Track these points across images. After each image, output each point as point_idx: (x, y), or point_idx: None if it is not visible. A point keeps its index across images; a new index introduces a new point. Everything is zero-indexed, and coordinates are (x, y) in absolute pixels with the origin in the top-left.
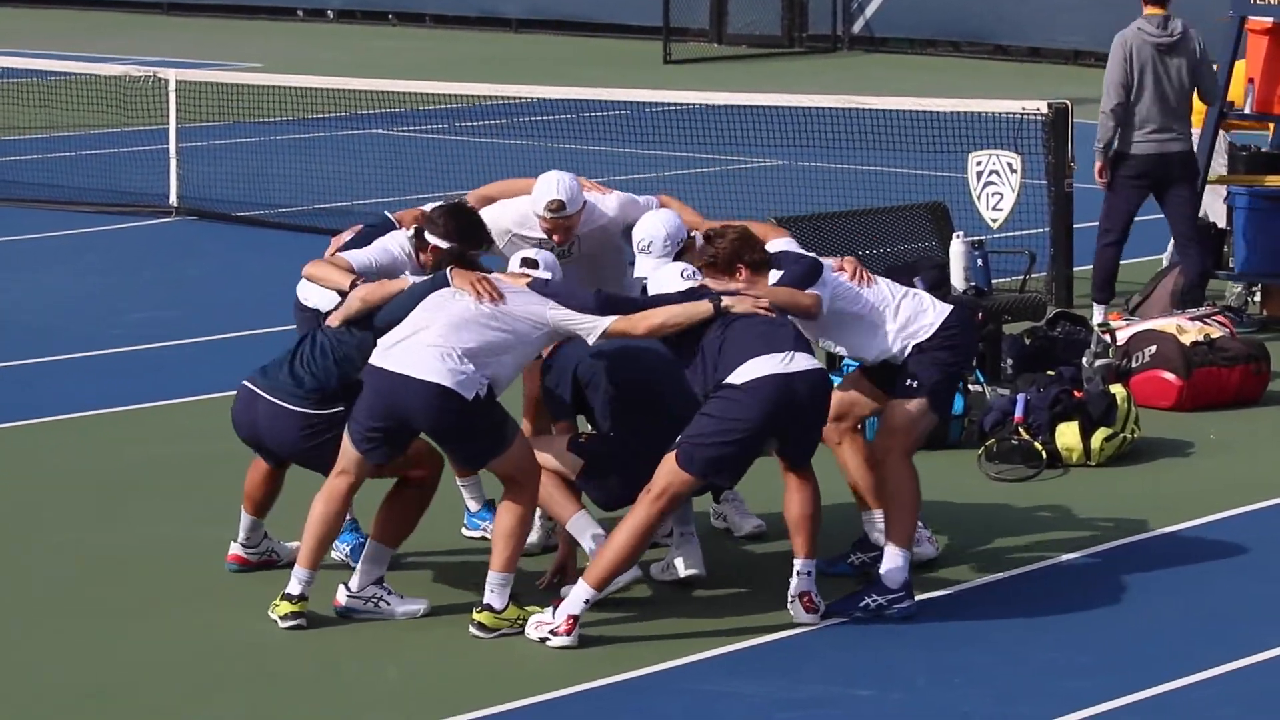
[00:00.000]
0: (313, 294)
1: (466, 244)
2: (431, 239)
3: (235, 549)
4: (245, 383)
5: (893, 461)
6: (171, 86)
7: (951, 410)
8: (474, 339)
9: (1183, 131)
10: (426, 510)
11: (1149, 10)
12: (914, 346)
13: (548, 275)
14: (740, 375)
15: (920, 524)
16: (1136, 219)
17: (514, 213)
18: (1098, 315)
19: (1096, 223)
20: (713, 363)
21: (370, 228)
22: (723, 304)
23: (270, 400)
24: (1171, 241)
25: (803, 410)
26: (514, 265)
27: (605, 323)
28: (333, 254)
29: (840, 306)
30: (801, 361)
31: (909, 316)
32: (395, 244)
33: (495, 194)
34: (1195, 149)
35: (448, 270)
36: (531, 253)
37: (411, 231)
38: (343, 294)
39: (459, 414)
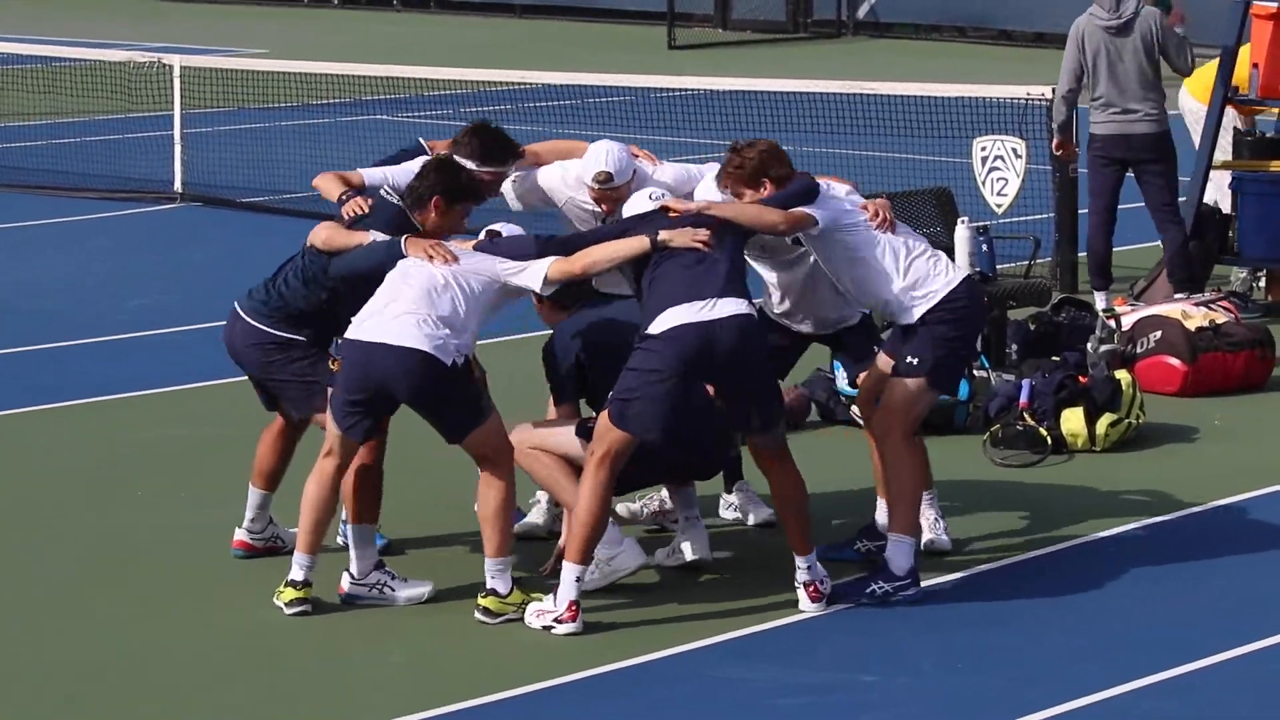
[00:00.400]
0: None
1: (493, 163)
2: (460, 159)
3: (240, 534)
4: (235, 303)
5: (892, 443)
6: (176, 72)
7: (956, 386)
8: (445, 305)
9: (1150, 112)
10: (382, 475)
11: None
12: (918, 318)
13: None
14: (658, 325)
15: (938, 516)
16: (1139, 205)
17: (574, 178)
18: (1099, 301)
19: None
20: (643, 309)
21: (404, 151)
22: (660, 239)
23: (242, 316)
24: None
25: (725, 356)
26: (481, 236)
27: (544, 266)
28: (352, 172)
29: (844, 239)
30: (724, 307)
31: (919, 277)
32: None
33: (543, 153)
34: (1166, 128)
35: (402, 240)
36: (498, 226)
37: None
38: (338, 203)
39: (438, 381)
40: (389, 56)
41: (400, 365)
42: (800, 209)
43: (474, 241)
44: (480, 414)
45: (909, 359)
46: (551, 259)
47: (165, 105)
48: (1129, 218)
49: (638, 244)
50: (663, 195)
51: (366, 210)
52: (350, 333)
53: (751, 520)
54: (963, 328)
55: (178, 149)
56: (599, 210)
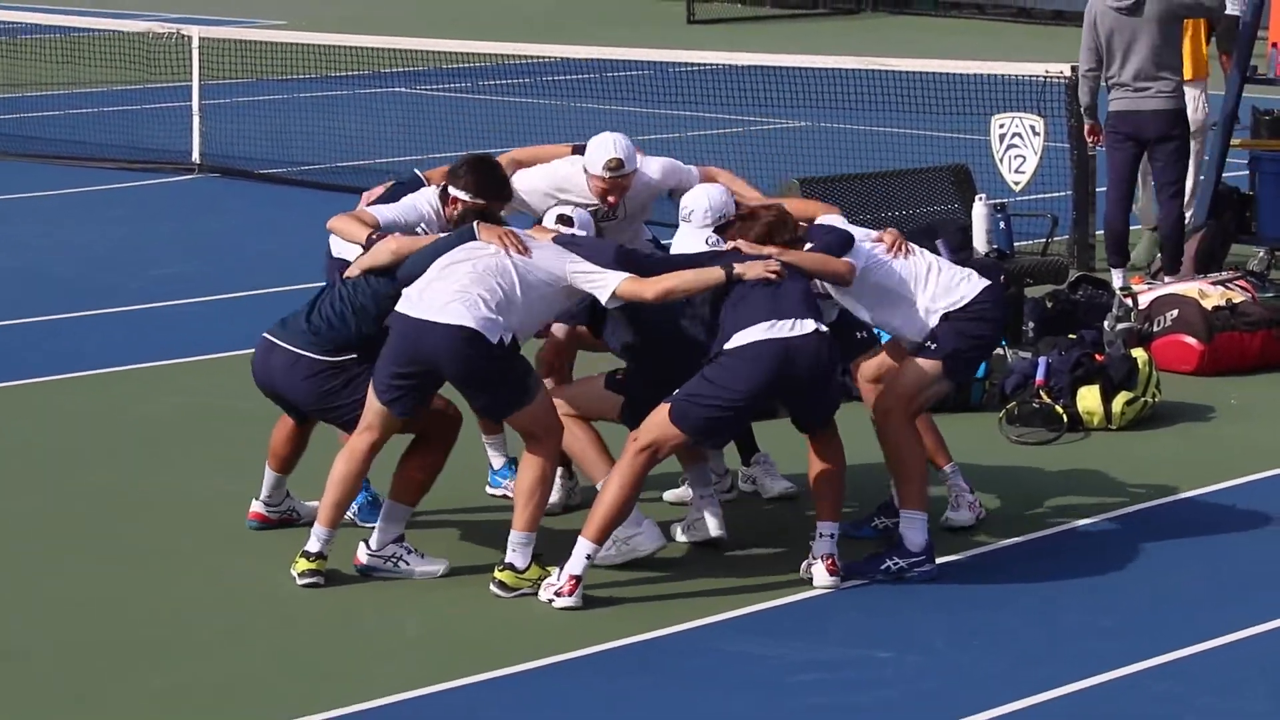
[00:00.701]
0: (344, 246)
1: (488, 197)
2: (454, 191)
3: (257, 506)
4: (265, 334)
5: (892, 424)
6: (195, 43)
7: (969, 378)
8: (498, 287)
9: (1162, 89)
10: (443, 469)
11: None
12: (941, 316)
13: (581, 233)
14: (735, 341)
15: (967, 488)
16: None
17: (551, 176)
18: (1115, 279)
19: None
20: (719, 329)
21: (399, 185)
22: (735, 271)
23: (285, 348)
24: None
25: (800, 375)
26: (549, 221)
27: (616, 281)
28: (362, 209)
29: (872, 278)
30: (801, 326)
31: (939, 291)
32: (423, 200)
33: (523, 159)
34: (1179, 106)
35: (475, 225)
36: (568, 210)
37: (438, 188)
38: (363, 247)
39: (484, 358)
40: (408, 29)
41: (446, 342)
42: (846, 260)
43: (553, 234)
44: (525, 394)
45: (928, 342)
46: (625, 275)
47: (184, 76)
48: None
49: (713, 275)
50: (719, 242)
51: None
52: (400, 306)
53: (768, 494)
54: (985, 327)
55: (196, 120)
56: (592, 204)
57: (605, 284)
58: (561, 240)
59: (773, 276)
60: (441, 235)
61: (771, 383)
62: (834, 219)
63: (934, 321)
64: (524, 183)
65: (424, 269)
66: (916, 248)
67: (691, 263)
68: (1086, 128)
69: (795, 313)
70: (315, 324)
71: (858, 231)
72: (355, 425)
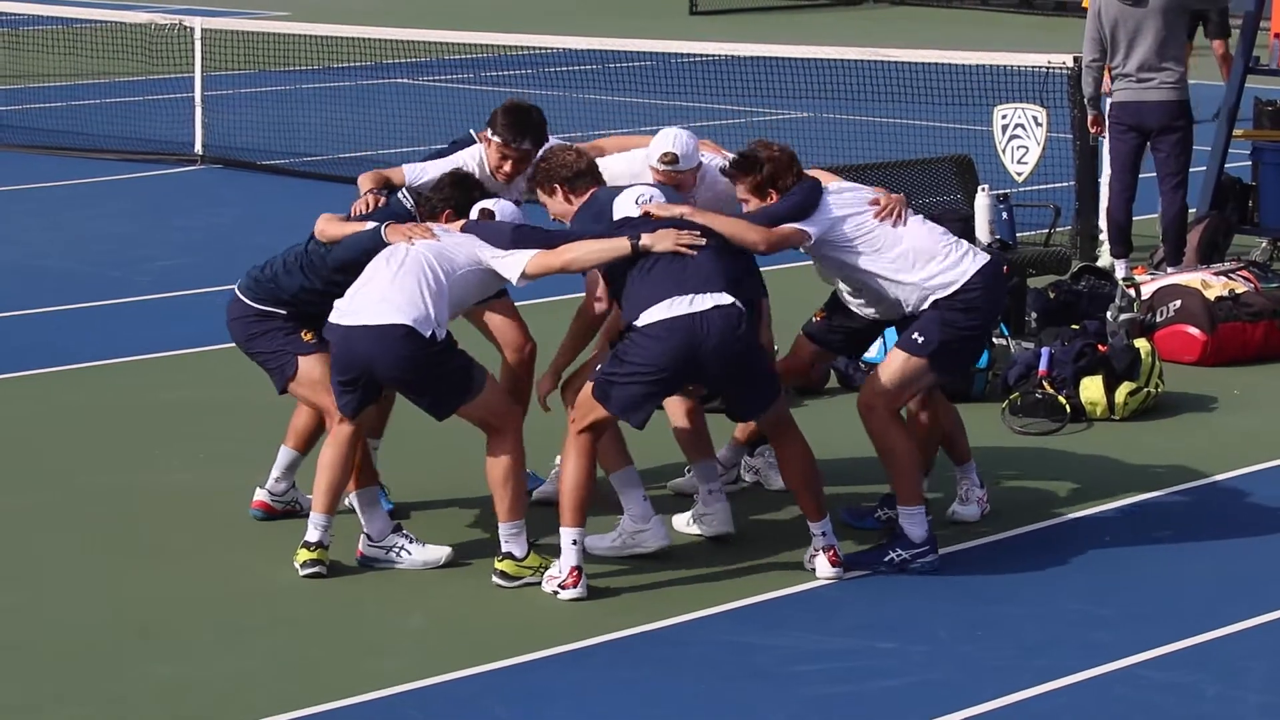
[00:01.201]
0: None
1: (522, 140)
2: (490, 135)
3: (261, 495)
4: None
5: (877, 419)
6: (197, 34)
7: (963, 371)
8: (422, 282)
9: (1166, 80)
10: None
11: None
12: (930, 302)
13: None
14: (642, 319)
15: (977, 482)
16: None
17: (630, 163)
18: (1119, 270)
19: None
20: (628, 303)
21: (454, 143)
22: (641, 243)
23: (234, 289)
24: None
25: (710, 350)
26: (474, 214)
27: (524, 260)
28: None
29: (841, 249)
30: (706, 300)
31: (934, 270)
32: (469, 157)
33: (606, 147)
34: (1183, 97)
35: (382, 227)
36: (490, 203)
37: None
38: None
39: (418, 355)
40: (410, 20)
41: (379, 343)
42: (789, 226)
43: (461, 223)
44: (468, 386)
45: (914, 335)
46: (533, 252)
47: (186, 67)
48: (1150, 186)
49: (619, 245)
50: (650, 199)
51: (372, 208)
52: (333, 317)
53: (771, 486)
54: (976, 317)
55: (198, 111)
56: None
57: (514, 263)
58: (468, 227)
59: (683, 251)
60: (365, 227)
61: (680, 358)
62: (825, 178)
63: (927, 301)
64: (605, 169)
65: (345, 259)
66: (917, 218)
67: (600, 234)
68: (1090, 118)
69: (699, 287)
70: (264, 272)
71: (853, 199)
72: (275, 380)
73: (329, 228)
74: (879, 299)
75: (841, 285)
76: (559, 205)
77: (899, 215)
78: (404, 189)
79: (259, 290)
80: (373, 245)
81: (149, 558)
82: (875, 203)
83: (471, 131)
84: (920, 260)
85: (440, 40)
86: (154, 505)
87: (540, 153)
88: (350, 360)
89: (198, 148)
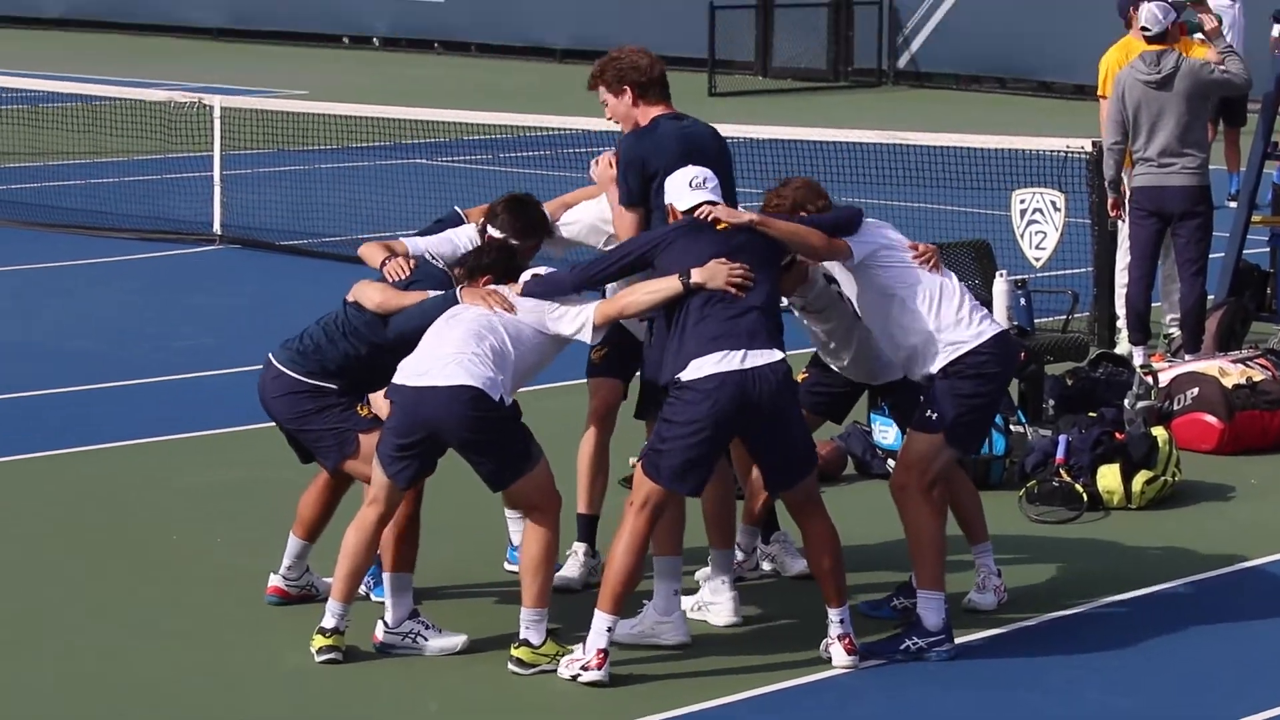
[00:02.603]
0: None
1: (522, 236)
2: (491, 231)
3: (275, 580)
4: (269, 353)
5: (908, 499)
6: (216, 113)
7: (979, 444)
8: (491, 345)
9: (1187, 165)
10: (420, 527)
11: (1144, 48)
12: (939, 370)
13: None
14: (689, 372)
15: (995, 570)
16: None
17: (600, 207)
18: (1137, 357)
19: None
20: (674, 351)
21: (438, 222)
22: (693, 281)
23: (273, 364)
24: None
25: (759, 406)
26: (524, 278)
27: (588, 317)
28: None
29: (879, 273)
30: (755, 357)
31: (948, 324)
32: (462, 236)
33: (571, 200)
34: (1204, 183)
35: (458, 289)
36: (539, 269)
37: (478, 225)
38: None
39: (486, 418)
40: (429, 100)
41: (449, 404)
42: (841, 239)
43: (520, 286)
44: (528, 460)
45: (928, 413)
46: (594, 306)
47: (205, 146)
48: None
49: (671, 285)
50: (704, 181)
51: (409, 272)
52: (397, 378)
53: (788, 573)
54: (985, 385)
55: (217, 190)
56: None
57: (581, 323)
58: (528, 290)
59: (733, 289)
60: (430, 295)
61: (729, 414)
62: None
63: (937, 363)
64: (574, 215)
65: (411, 328)
66: (949, 273)
67: (652, 240)
68: (1110, 201)
69: (749, 342)
70: (304, 343)
71: (894, 236)
72: (328, 457)
73: (385, 298)
74: (870, 353)
75: (822, 336)
76: (622, 107)
77: (934, 264)
78: (427, 254)
79: (305, 363)
80: (440, 313)
81: (165, 640)
82: (914, 247)
83: (457, 209)
84: (942, 311)
85: (458, 120)
86: (170, 588)
87: (613, 52)
88: (415, 422)
89: (216, 227)
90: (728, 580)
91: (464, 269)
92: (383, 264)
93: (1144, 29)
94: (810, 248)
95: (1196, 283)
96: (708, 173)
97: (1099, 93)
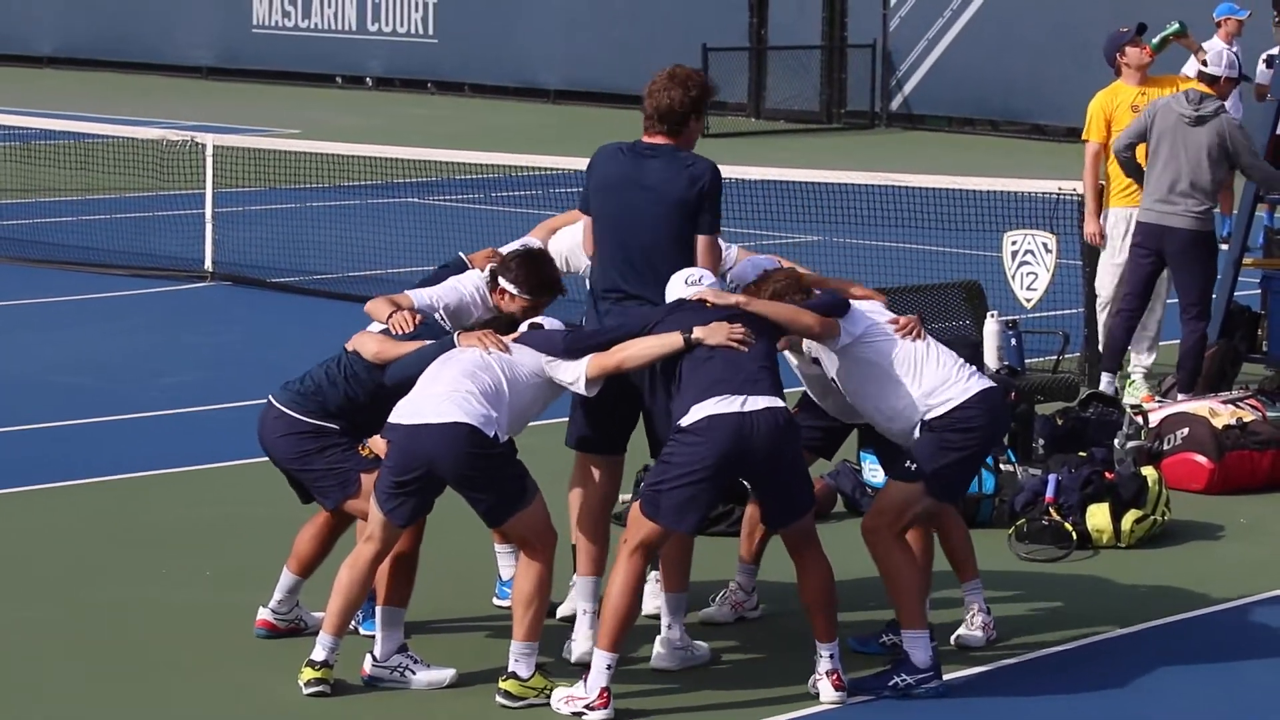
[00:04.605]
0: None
1: (537, 294)
2: (504, 283)
3: (264, 614)
4: (269, 396)
5: (878, 542)
6: (209, 151)
7: (961, 494)
8: (486, 383)
9: (1192, 208)
10: (417, 564)
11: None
12: (923, 423)
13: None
14: (689, 417)
15: (984, 607)
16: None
17: (573, 235)
18: (1104, 383)
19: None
20: (676, 403)
21: (443, 268)
22: (694, 336)
23: (275, 405)
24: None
25: (759, 450)
26: (522, 328)
27: (583, 365)
28: (401, 293)
29: (864, 353)
30: (756, 402)
31: (935, 385)
32: (468, 284)
33: (557, 225)
34: (1208, 229)
35: (455, 334)
36: (538, 319)
37: (485, 273)
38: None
39: (482, 455)
40: (421, 139)
41: (443, 442)
42: (831, 319)
43: (516, 335)
44: (524, 496)
45: (908, 463)
46: (589, 358)
47: (197, 184)
48: (1167, 313)
49: (671, 340)
50: (699, 280)
51: (413, 326)
52: (393, 417)
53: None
54: (971, 439)
55: (209, 227)
56: None
57: (576, 374)
58: (524, 338)
59: (735, 346)
60: (427, 344)
61: (729, 456)
62: (873, 305)
63: (923, 418)
64: (563, 239)
65: (408, 375)
66: (931, 340)
67: (645, 319)
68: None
69: (748, 389)
70: (305, 385)
71: (874, 310)
72: (328, 496)
73: (382, 348)
74: (850, 408)
75: (809, 390)
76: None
77: (917, 334)
78: (439, 312)
79: (307, 404)
80: (441, 354)
81: (152, 674)
82: (894, 321)
83: (461, 255)
84: (924, 376)
85: (451, 160)
86: (158, 621)
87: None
88: (412, 459)
89: (208, 264)
90: (675, 623)
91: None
92: (389, 317)
93: (1205, 66)
94: (804, 326)
95: (1197, 326)
96: (704, 272)
97: (1084, 135)
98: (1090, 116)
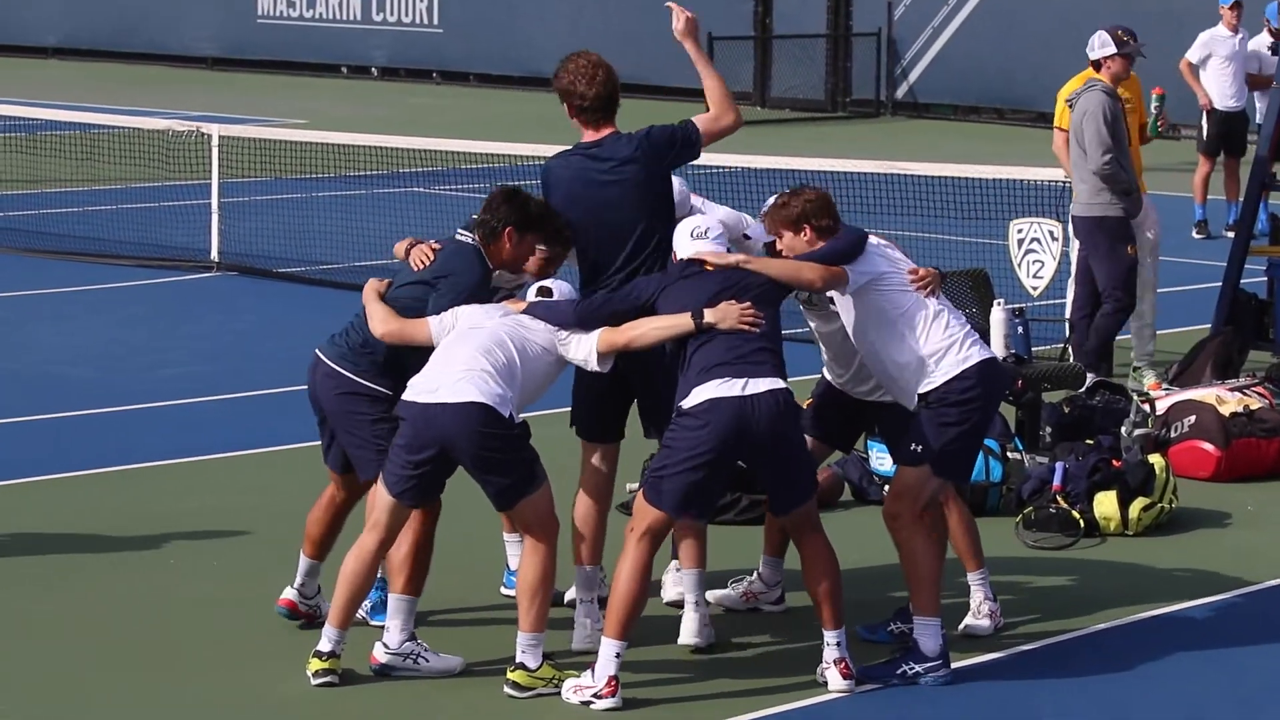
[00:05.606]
0: None
1: (564, 242)
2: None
3: (290, 593)
4: (316, 349)
5: (901, 527)
6: (215, 141)
7: (969, 470)
8: (499, 360)
9: (1081, 197)
10: (432, 553)
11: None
12: (920, 396)
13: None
14: (690, 400)
15: (991, 595)
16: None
17: None
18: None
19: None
20: (679, 385)
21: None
22: (705, 320)
23: (325, 361)
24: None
25: (760, 434)
26: (531, 294)
27: (593, 342)
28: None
29: (875, 299)
30: (757, 385)
31: (937, 350)
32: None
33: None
34: (1093, 215)
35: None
36: (548, 282)
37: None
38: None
39: (498, 435)
40: (426, 129)
41: (458, 421)
42: (838, 267)
43: (524, 304)
44: (533, 481)
45: (912, 445)
46: (598, 335)
47: (203, 174)
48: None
49: (682, 322)
50: (705, 231)
51: (433, 256)
52: (408, 394)
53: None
54: (968, 412)
55: (215, 218)
56: None
57: (585, 347)
58: (531, 310)
59: (744, 327)
60: (431, 319)
61: (729, 440)
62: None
63: (920, 388)
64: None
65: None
66: (945, 300)
67: (657, 287)
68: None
69: (750, 371)
70: (352, 338)
71: (895, 257)
72: (366, 468)
73: (389, 329)
74: (863, 374)
75: (824, 352)
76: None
77: (932, 289)
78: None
79: (361, 363)
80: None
81: (160, 665)
82: (913, 271)
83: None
84: (930, 335)
85: (457, 149)
86: (167, 613)
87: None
88: (426, 438)
89: (214, 254)
90: (696, 599)
91: (483, 231)
92: (405, 250)
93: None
94: (805, 282)
95: (1110, 310)
96: (711, 222)
97: (1055, 124)
98: (1061, 105)
